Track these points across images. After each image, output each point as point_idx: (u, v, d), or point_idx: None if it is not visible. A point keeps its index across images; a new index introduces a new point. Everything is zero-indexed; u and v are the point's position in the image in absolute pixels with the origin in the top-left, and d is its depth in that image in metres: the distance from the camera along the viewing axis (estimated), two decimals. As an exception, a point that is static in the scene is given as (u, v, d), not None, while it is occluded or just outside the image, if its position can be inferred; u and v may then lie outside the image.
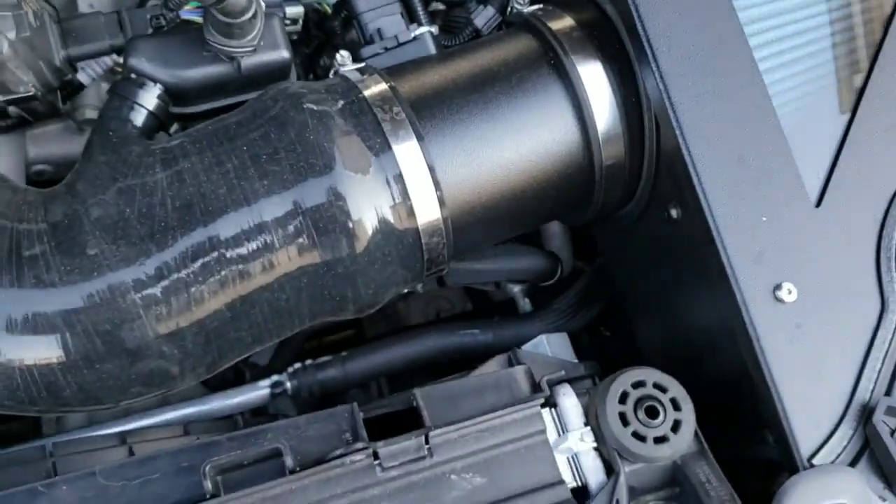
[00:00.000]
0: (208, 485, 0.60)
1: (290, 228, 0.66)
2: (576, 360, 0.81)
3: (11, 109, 0.81)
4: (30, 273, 0.62)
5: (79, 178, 0.68)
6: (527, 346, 0.85)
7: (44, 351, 0.62)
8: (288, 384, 0.90)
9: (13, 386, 0.63)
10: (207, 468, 0.60)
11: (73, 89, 0.84)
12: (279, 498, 0.61)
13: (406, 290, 0.93)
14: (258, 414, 0.90)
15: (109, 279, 0.62)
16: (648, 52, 0.69)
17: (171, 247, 0.63)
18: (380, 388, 1.07)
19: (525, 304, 1.00)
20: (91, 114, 0.88)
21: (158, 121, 0.75)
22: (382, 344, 0.94)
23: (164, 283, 0.63)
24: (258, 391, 0.89)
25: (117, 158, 0.68)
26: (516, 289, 1.02)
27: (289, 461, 0.61)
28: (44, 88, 0.76)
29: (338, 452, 0.62)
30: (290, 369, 0.91)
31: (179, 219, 0.64)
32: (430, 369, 0.99)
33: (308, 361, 0.92)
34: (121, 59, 0.85)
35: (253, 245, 0.65)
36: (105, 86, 0.91)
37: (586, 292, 0.96)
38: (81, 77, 0.84)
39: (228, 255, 0.64)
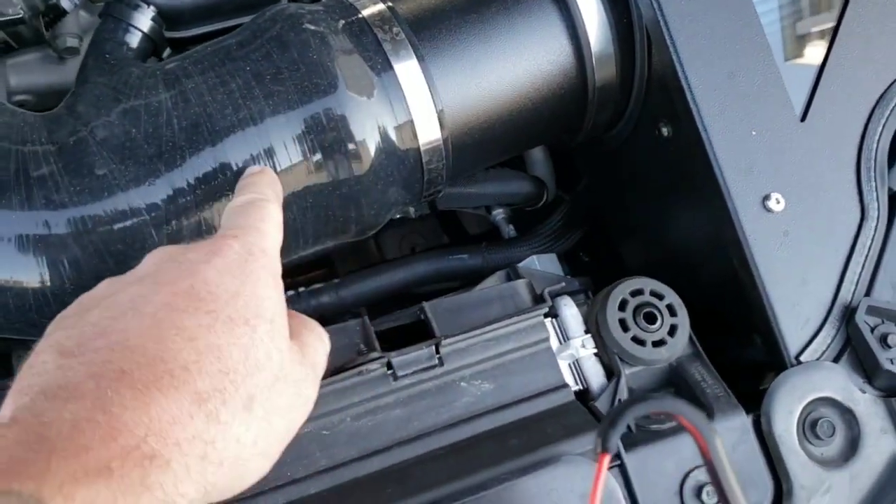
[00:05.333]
0: (230, 395, 0.62)
1: (297, 148, 0.66)
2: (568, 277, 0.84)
3: (-5, 35, 0.79)
4: (39, 193, 0.62)
5: (78, 100, 0.67)
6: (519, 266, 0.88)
7: (56, 271, 0.62)
8: (283, 310, 0.91)
9: (25, 307, 0.63)
10: (228, 380, 0.62)
11: (56, 15, 0.83)
12: (297, 407, 0.63)
13: (399, 215, 0.95)
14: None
15: (120, 199, 0.62)
16: (642, -29, 0.71)
17: (179, 166, 0.64)
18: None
19: (510, 231, 1.02)
20: (72, 42, 0.86)
21: (153, 44, 0.74)
22: (374, 270, 0.96)
23: (174, 201, 0.63)
24: (254, 318, 0.90)
25: (118, 80, 0.67)
26: (500, 216, 1.04)
27: (308, 371, 0.63)
28: (31, 11, 0.75)
29: (356, 361, 0.64)
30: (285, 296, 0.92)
31: (187, 139, 0.64)
32: (410, 301, 1.01)
33: (301, 289, 0.93)
34: (101, -15, 0.84)
35: (261, 163, 0.65)
36: (84, 14, 0.89)
37: (569, 217, 0.99)
38: (64, 2, 0.83)
39: (238, 173, 0.65)
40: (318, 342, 0.53)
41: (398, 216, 0.94)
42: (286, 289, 0.95)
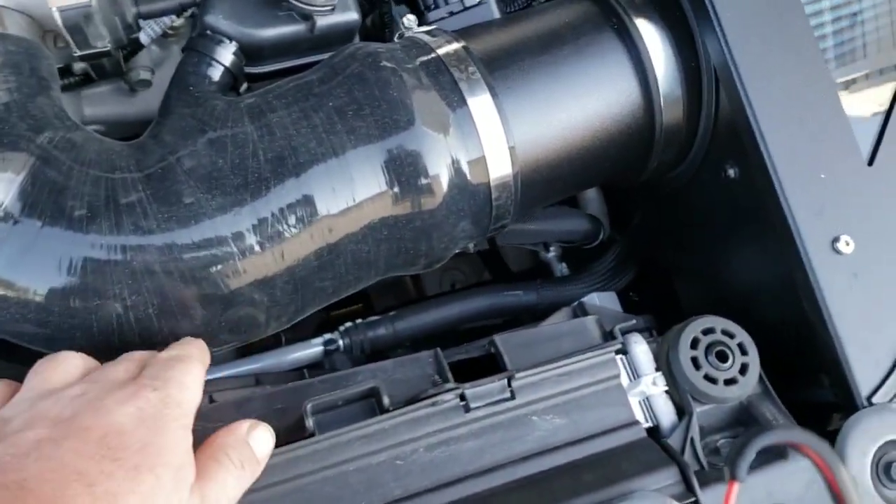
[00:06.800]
0: (311, 423, 0.62)
1: (375, 182, 0.68)
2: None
3: (77, 66, 0.82)
4: (128, 220, 0.63)
5: (163, 129, 0.69)
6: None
7: (142, 296, 0.63)
8: (340, 341, 0.92)
9: (108, 330, 0.64)
10: (309, 407, 0.63)
11: (133, 48, 0.85)
12: (373, 436, 0.64)
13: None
14: (315, 368, 0.92)
15: (206, 227, 0.64)
16: (713, 17, 0.72)
17: (265, 197, 0.65)
18: (408, 352, 1.09)
19: (562, 269, 1.03)
20: (145, 74, 0.89)
21: (233, 78, 0.76)
22: (429, 304, 0.97)
23: (259, 231, 0.65)
24: (313, 348, 0.91)
25: (203, 111, 0.69)
26: (551, 254, 1.05)
27: (386, 400, 0.64)
28: (115, 45, 0.77)
29: (430, 392, 0.64)
30: (342, 327, 0.93)
31: (272, 170, 0.66)
32: (453, 337, 1.02)
33: (358, 320, 0.94)
34: (175, 23, 0.87)
35: (342, 196, 0.67)
36: (155, 48, 0.92)
37: (623, 256, 1.00)
38: (142, 37, 0.85)
39: (319, 205, 0.66)
40: (227, 475, 0.54)
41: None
42: (325, 325, 0.97)
